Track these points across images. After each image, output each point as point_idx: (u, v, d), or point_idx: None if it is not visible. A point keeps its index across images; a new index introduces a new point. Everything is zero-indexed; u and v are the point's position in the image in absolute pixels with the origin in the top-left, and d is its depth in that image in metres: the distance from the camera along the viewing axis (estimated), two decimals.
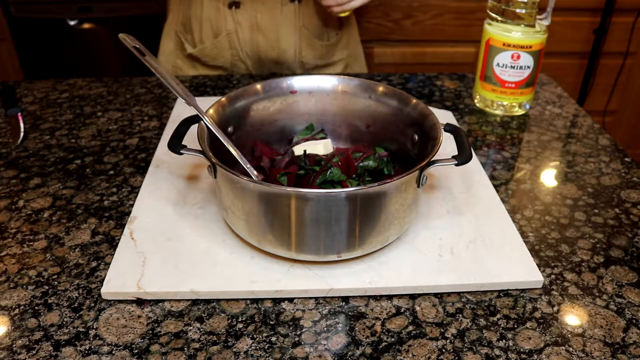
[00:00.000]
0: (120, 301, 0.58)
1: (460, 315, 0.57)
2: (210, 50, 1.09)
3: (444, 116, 0.92)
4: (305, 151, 0.71)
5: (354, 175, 0.68)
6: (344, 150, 0.72)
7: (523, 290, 0.60)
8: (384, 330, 0.55)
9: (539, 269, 0.62)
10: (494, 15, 0.92)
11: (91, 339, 0.53)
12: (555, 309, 0.57)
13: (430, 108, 0.68)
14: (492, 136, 0.90)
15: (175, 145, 0.62)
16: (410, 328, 0.55)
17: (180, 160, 0.77)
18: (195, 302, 0.58)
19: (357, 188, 0.55)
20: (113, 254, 0.63)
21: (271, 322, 0.55)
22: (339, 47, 1.17)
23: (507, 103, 0.96)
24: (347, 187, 0.65)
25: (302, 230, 0.57)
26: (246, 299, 0.58)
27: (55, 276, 0.61)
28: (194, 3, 1.07)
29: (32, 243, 0.65)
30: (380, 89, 0.72)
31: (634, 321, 0.56)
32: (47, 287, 0.59)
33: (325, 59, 1.15)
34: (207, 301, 0.58)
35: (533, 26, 0.91)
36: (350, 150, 0.72)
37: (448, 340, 0.54)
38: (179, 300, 0.58)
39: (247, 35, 1.07)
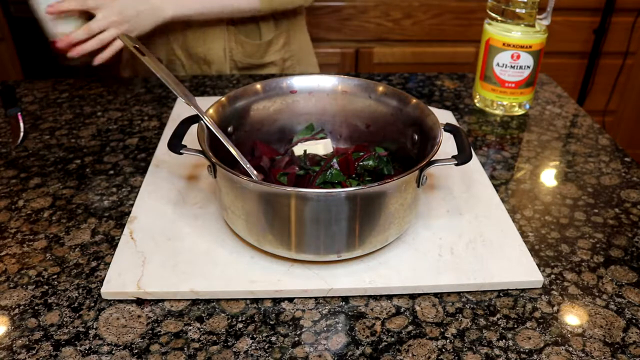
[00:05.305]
0: (120, 301, 0.58)
1: (460, 315, 0.57)
2: (145, 42, 1.10)
3: (444, 116, 0.92)
4: (305, 151, 0.71)
5: (353, 175, 0.68)
6: (344, 150, 0.72)
7: (523, 290, 0.60)
8: (384, 330, 0.55)
9: (539, 269, 0.62)
10: (493, 15, 0.92)
11: (91, 338, 0.53)
12: (555, 308, 0.58)
13: (430, 108, 0.68)
14: (492, 136, 0.90)
15: (175, 145, 0.62)
16: (410, 328, 0.55)
17: (180, 160, 0.77)
18: (195, 302, 0.58)
19: (357, 188, 0.55)
20: (113, 254, 0.63)
21: (271, 322, 0.55)
22: (275, 48, 1.15)
23: (507, 103, 0.96)
24: (347, 187, 0.65)
25: (302, 230, 0.57)
26: (246, 299, 0.58)
27: (55, 276, 0.61)
28: None
29: (32, 243, 0.65)
30: (380, 88, 0.72)
31: (633, 321, 0.56)
32: (47, 287, 0.59)
33: (258, 59, 1.14)
34: (207, 301, 0.58)
35: (533, 26, 0.91)
36: (350, 150, 0.72)
37: (448, 340, 0.54)
38: (178, 300, 0.58)
39: (177, 26, 1.07)
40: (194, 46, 1.09)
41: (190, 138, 0.63)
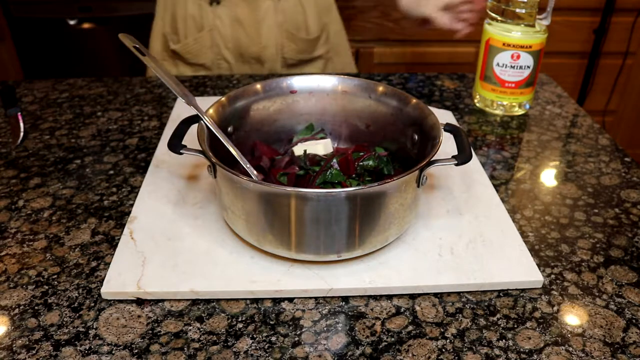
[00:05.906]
0: (120, 301, 0.58)
1: (460, 315, 0.57)
2: (192, 46, 1.10)
3: (444, 116, 0.92)
4: (305, 151, 0.71)
5: (353, 175, 0.68)
6: (344, 150, 0.72)
7: (523, 290, 0.60)
8: (384, 330, 0.55)
9: (539, 269, 0.62)
10: (494, 15, 0.92)
11: (91, 338, 0.53)
12: (555, 308, 0.58)
13: (430, 108, 0.67)
14: (492, 136, 0.90)
15: (175, 145, 0.62)
16: (410, 328, 0.55)
17: (180, 160, 0.77)
18: (195, 302, 0.58)
19: (357, 188, 0.55)
20: (113, 254, 0.63)
21: (271, 322, 0.55)
22: (320, 42, 1.18)
23: (507, 103, 0.96)
24: (347, 187, 0.65)
25: (302, 230, 0.57)
26: (246, 299, 0.58)
27: (55, 276, 0.61)
28: (178, 2, 1.09)
29: (32, 243, 0.65)
30: (380, 88, 0.72)
31: (633, 321, 0.56)
32: (47, 287, 0.59)
33: (307, 54, 1.16)
34: (207, 301, 0.58)
35: (533, 26, 0.91)
36: (350, 150, 0.72)
37: (448, 340, 0.54)
38: (179, 300, 0.58)
39: (229, 30, 1.08)
40: (248, 46, 1.10)
41: (190, 138, 0.63)
